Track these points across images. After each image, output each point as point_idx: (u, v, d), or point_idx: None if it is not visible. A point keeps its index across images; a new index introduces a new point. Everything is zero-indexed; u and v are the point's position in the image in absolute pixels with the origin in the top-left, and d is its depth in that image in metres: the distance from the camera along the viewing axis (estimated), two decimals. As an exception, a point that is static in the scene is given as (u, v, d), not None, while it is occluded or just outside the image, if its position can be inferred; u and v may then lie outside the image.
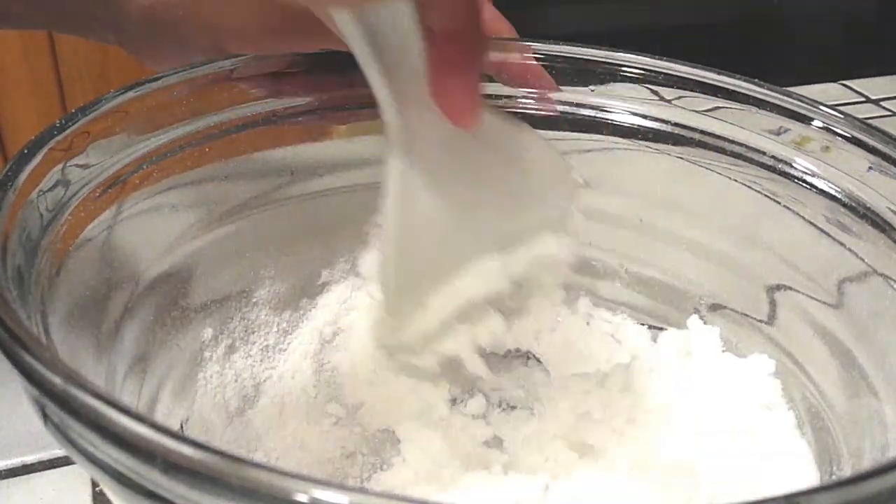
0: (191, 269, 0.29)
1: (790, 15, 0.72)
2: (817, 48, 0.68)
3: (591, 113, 0.33)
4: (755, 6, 0.72)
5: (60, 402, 0.16)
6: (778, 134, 0.30)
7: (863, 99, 0.56)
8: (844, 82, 0.57)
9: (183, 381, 0.28)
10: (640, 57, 0.32)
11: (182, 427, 0.28)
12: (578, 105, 0.33)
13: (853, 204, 0.28)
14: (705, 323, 0.32)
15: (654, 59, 0.32)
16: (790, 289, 0.30)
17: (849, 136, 0.29)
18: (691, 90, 0.32)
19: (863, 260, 0.27)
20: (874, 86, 0.57)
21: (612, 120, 0.33)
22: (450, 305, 0.28)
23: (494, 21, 0.33)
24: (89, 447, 0.16)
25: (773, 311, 0.30)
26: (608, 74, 0.32)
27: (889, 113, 0.54)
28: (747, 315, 0.31)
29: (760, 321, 0.31)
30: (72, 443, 0.16)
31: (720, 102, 0.31)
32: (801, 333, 0.29)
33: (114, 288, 0.25)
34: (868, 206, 0.28)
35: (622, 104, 0.32)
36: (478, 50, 0.24)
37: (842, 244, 0.28)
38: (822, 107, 0.30)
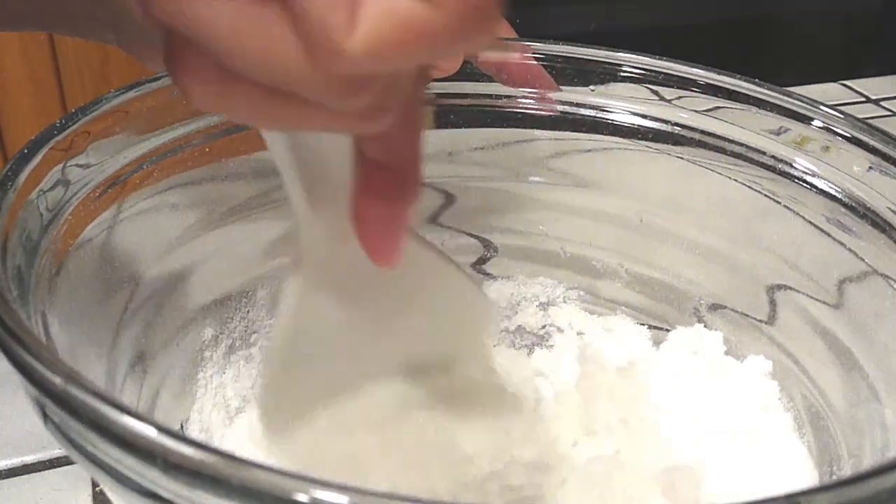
0: (191, 269, 0.29)
1: (790, 15, 0.72)
2: (817, 48, 0.68)
3: (592, 113, 0.33)
4: (755, 6, 0.72)
5: (61, 401, 0.16)
6: (778, 134, 0.30)
7: (863, 99, 0.56)
8: (844, 82, 0.57)
9: (183, 381, 0.28)
10: (640, 57, 0.32)
11: (182, 427, 0.28)
12: (578, 105, 0.33)
13: (853, 204, 0.28)
14: (706, 325, 0.32)
15: (654, 58, 0.32)
16: (790, 289, 0.30)
17: (849, 135, 0.29)
18: (691, 90, 0.32)
19: (863, 260, 0.27)
20: (874, 86, 0.57)
21: (612, 120, 0.33)
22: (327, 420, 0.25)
23: None
24: (89, 447, 0.16)
25: (774, 311, 0.30)
26: (608, 74, 0.32)
27: (889, 113, 0.54)
28: (747, 315, 0.31)
29: (760, 321, 0.31)
30: (72, 442, 0.16)
31: (720, 102, 0.31)
32: (802, 333, 0.29)
33: (114, 288, 0.25)
34: (868, 205, 0.28)
35: (622, 104, 0.32)
36: (411, 184, 0.21)
37: (842, 244, 0.28)
38: (822, 107, 0.30)
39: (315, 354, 0.24)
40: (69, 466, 0.29)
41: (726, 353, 0.31)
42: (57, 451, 0.30)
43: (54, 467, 0.29)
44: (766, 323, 0.31)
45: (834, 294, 0.28)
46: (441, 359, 0.27)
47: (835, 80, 0.56)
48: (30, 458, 0.29)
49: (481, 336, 0.28)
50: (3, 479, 0.28)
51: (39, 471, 0.29)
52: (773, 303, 0.31)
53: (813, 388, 0.28)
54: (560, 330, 0.35)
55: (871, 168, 0.28)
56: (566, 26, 0.77)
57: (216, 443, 0.28)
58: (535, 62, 0.32)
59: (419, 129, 0.20)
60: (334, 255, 0.23)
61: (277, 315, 0.24)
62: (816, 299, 0.29)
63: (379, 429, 0.26)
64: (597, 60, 0.32)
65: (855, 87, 0.56)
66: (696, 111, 0.32)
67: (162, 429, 0.15)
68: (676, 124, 0.32)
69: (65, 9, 0.30)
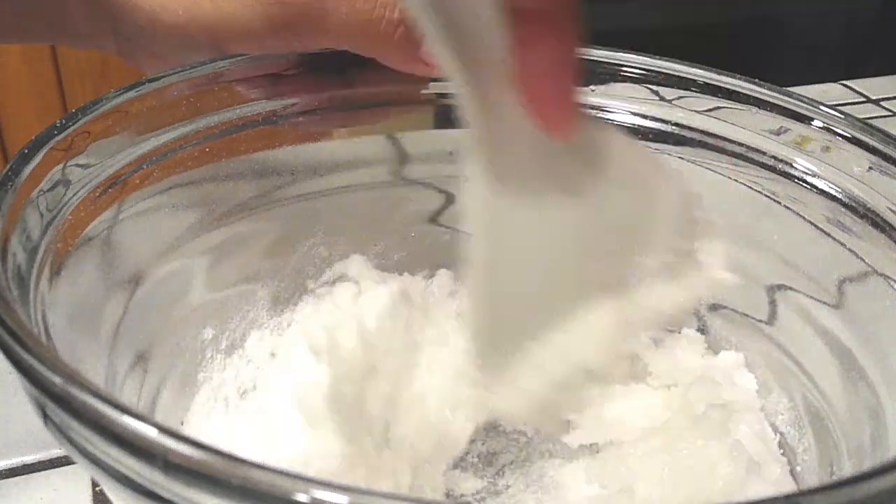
0: (191, 269, 0.29)
1: (790, 15, 0.72)
2: (817, 48, 0.68)
3: (592, 113, 0.33)
4: (755, 6, 0.72)
5: (61, 401, 0.16)
6: (778, 134, 0.30)
7: (863, 99, 0.56)
8: (845, 82, 0.57)
9: (183, 380, 0.28)
10: (640, 57, 0.32)
11: (182, 427, 0.28)
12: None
13: (853, 204, 0.28)
14: (706, 325, 0.32)
15: (655, 59, 0.32)
16: (790, 289, 0.30)
17: (849, 136, 0.29)
18: (691, 90, 0.32)
19: (863, 260, 0.27)
20: (874, 86, 0.57)
21: (612, 120, 0.33)
22: (557, 373, 0.23)
23: None
24: (89, 447, 0.16)
25: (774, 311, 0.30)
26: (608, 74, 0.32)
27: (889, 113, 0.54)
28: (747, 315, 0.31)
29: (761, 321, 0.31)
30: (72, 442, 0.16)
31: (720, 102, 0.31)
32: (802, 333, 0.29)
33: (114, 287, 0.25)
34: (868, 206, 0.28)
35: (622, 104, 0.32)
36: (574, 42, 0.19)
37: (842, 244, 0.28)
38: (822, 107, 0.30)
39: (516, 272, 0.22)
40: (69, 466, 0.29)
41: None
42: (57, 451, 0.30)
43: (54, 467, 0.29)
44: (765, 323, 0.31)
45: (834, 294, 0.28)
46: (641, 272, 0.23)
47: (835, 80, 0.56)
48: (30, 458, 0.29)
49: (689, 235, 0.24)
50: (3, 479, 0.28)
51: (39, 471, 0.29)
52: (773, 303, 0.31)
53: (813, 387, 0.28)
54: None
55: (871, 168, 0.28)
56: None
57: (217, 442, 0.28)
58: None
59: None
60: (508, 141, 0.20)
61: (466, 232, 0.21)
62: (816, 299, 0.29)
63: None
64: (597, 60, 0.32)
65: (855, 87, 0.56)
66: (696, 111, 0.32)
67: (162, 429, 0.15)
68: (676, 124, 0.32)
69: (67, 20, 0.30)
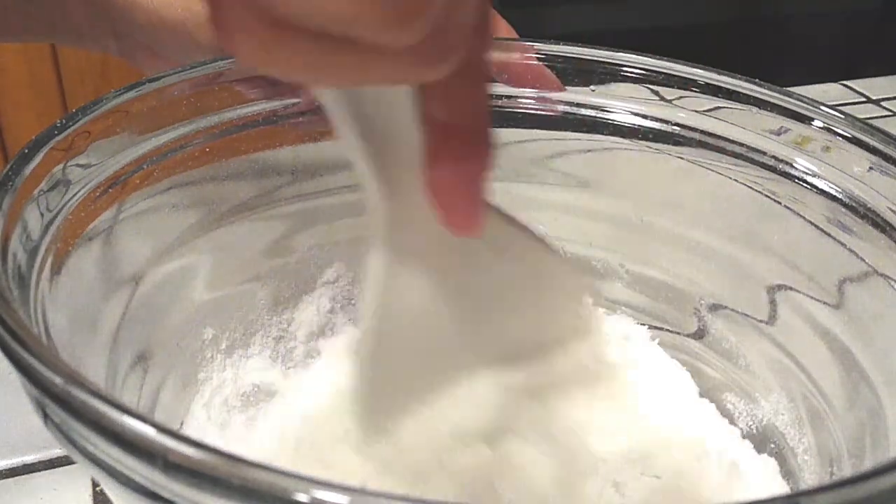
0: (191, 269, 0.29)
1: (790, 15, 0.72)
2: (818, 48, 0.68)
3: (592, 113, 0.33)
4: (755, 6, 0.72)
5: (61, 401, 0.16)
6: (778, 134, 0.30)
7: (863, 99, 0.56)
8: (845, 82, 0.57)
9: (183, 380, 0.28)
10: (640, 57, 0.32)
11: (182, 427, 0.28)
12: (579, 105, 0.33)
13: (854, 204, 0.28)
14: (706, 325, 0.32)
15: (655, 59, 0.32)
16: (791, 289, 0.30)
17: (849, 136, 0.28)
18: (692, 90, 0.32)
19: (863, 260, 0.27)
20: (875, 86, 0.57)
21: (612, 120, 0.33)
22: (431, 434, 0.24)
23: (493, 22, 0.33)
24: (90, 447, 0.16)
25: (774, 311, 0.30)
26: (608, 74, 0.32)
27: (890, 113, 0.54)
28: (747, 315, 0.31)
29: (761, 321, 0.31)
30: (72, 442, 0.16)
31: (721, 102, 0.31)
32: (802, 333, 0.29)
33: (114, 287, 0.25)
34: (869, 206, 0.27)
35: (623, 104, 0.32)
36: (482, 143, 0.19)
37: (842, 244, 0.28)
38: (822, 107, 0.30)
39: (406, 343, 0.22)
40: (69, 466, 0.29)
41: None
42: (57, 451, 0.30)
43: (54, 467, 0.29)
44: (766, 323, 0.31)
45: (834, 294, 0.28)
46: (538, 342, 0.25)
47: (835, 80, 0.56)
48: (30, 458, 0.29)
49: (577, 311, 0.26)
50: (3, 479, 0.28)
51: (39, 471, 0.29)
52: (773, 303, 0.31)
53: (813, 387, 0.28)
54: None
55: (871, 168, 0.28)
56: (566, 26, 0.77)
57: (216, 443, 0.28)
58: (537, 62, 0.32)
59: (482, 82, 0.19)
60: (411, 222, 0.21)
61: (362, 301, 0.22)
62: (817, 299, 0.29)
63: (487, 430, 0.24)
64: (597, 60, 0.32)
65: (855, 88, 0.56)
66: (696, 111, 0.32)
67: (162, 429, 0.15)
68: (677, 124, 0.32)
69: (67, 19, 0.30)
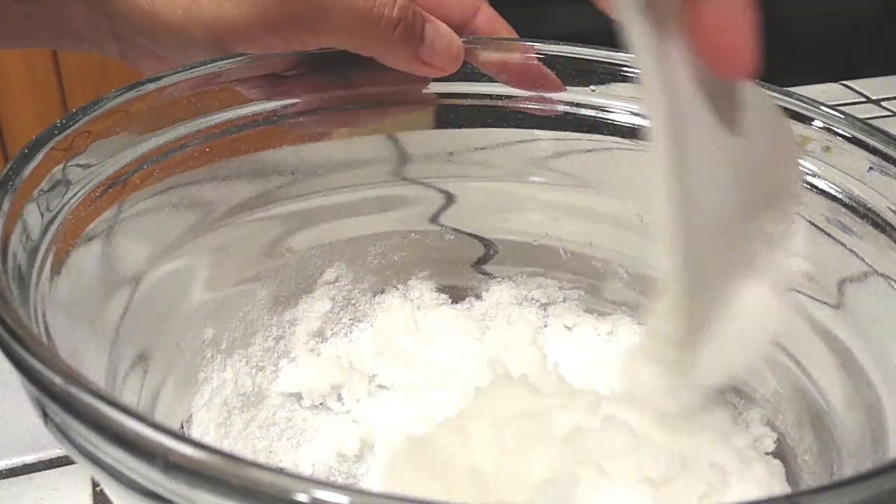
0: (191, 269, 0.29)
1: (790, 15, 0.71)
2: (818, 48, 0.68)
3: (592, 113, 0.33)
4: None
5: (61, 401, 0.16)
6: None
7: (864, 99, 0.56)
8: (845, 82, 0.57)
9: (183, 380, 0.28)
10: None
11: (182, 427, 0.28)
12: (579, 105, 0.33)
13: (853, 204, 0.28)
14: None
15: (655, 58, 0.32)
16: (790, 289, 0.30)
17: (849, 136, 0.28)
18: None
19: (863, 260, 0.27)
20: (875, 86, 0.57)
21: (612, 120, 0.33)
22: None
23: (492, 22, 0.33)
24: (89, 447, 0.16)
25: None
26: (609, 74, 0.32)
27: (890, 113, 0.54)
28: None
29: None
30: (72, 442, 0.16)
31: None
32: (802, 333, 0.29)
33: (114, 287, 0.25)
34: (869, 206, 0.27)
35: (623, 104, 0.32)
36: None
37: (842, 244, 0.28)
38: (822, 107, 0.29)
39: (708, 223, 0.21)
40: (69, 466, 0.29)
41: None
42: (57, 451, 0.30)
43: (54, 467, 0.29)
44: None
45: (834, 294, 0.28)
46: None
47: (835, 80, 0.56)
48: (30, 458, 0.29)
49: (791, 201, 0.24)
50: (3, 479, 0.28)
51: (39, 471, 0.29)
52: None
53: (813, 387, 0.28)
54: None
55: (871, 168, 0.28)
56: (566, 26, 0.77)
57: (217, 443, 0.28)
58: (537, 62, 0.32)
59: None
60: (677, 83, 0.19)
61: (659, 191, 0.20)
62: (816, 299, 0.29)
63: None
64: (598, 60, 0.32)
65: (856, 88, 0.56)
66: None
67: (162, 429, 0.15)
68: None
69: (68, 24, 0.30)
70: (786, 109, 0.30)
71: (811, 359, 0.28)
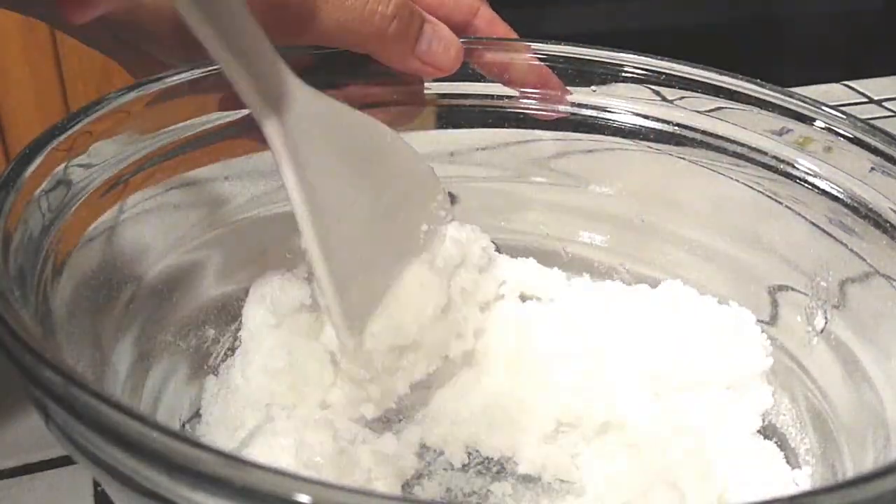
0: (193, 268, 0.29)
1: (792, 15, 0.71)
2: (819, 48, 0.68)
3: (593, 113, 0.33)
4: (757, 6, 0.72)
5: (62, 402, 0.16)
6: (780, 134, 0.30)
7: (865, 99, 0.55)
8: (847, 83, 0.57)
9: (186, 380, 0.28)
10: (641, 57, 0.32)
11: (184, 427, 0.28)
12: (580, 105, 0.33)
13: (855, 204, 0.28)
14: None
15: (656, 59, 0.32)
16: (792, 289, 0.30)
17: (851, 136, 0.28)
18: (693, 90, 0.32)
19: (865, 260, 0.27)
20: (877, 86, 0.56)
21: (613, 120, 0.33)
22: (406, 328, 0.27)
23: (491, 23, 0.33)
24: (91, 448, 0.16)
25: (775, 312, 0.30)
26: (610, 75, 0.32)
27: (891, 113, 0.54)
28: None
29: (762, 321, 0.31)
30: (74, 443, 0.16)
31: (722, 103, 0.31)
32: (803, 334, 0.29)
33: (116, 287, 0.25)
34: (870, 206, 0.27)
35: (624, 104, 0.32)
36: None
37: (844, 244, 0.28)
38: (824, 107, 0.29)
39: (343, 235, 0.24)
40: (70, 466, 0.29)
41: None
42: (58, 450, 0.30)
43: (55, 467, 0.29)
44: (767, 323, 0.31)
45: (836, 294, 0.28)
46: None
47: (837, 81, 0.56)
48: (30, 458, 0.29)
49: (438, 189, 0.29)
50: (4, 479, 0.28)
51: (40, 471, 0.29)
52: (774, 303, 0.31)
53: (815, 388, 0.28)
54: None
55: (873, 169, 0.28)
56: (566, 26, 0.77)
57: (219, 442, 0.28)
58: (539, 63, 0.32)
59: None
60: (301, 126, 0.23)
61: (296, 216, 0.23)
62: (818, 299, 0.29)
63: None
64: (598, 61, 0.32)
65: (857, 88, 0.56)
66: (697, 111, 0.32)
67: (163, 429, 0.15)
68: (678, 125, 0.32)
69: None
70: (788, 110, 0.30)
71: (813, 359, 0.28)
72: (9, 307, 0.18)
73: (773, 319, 0.31)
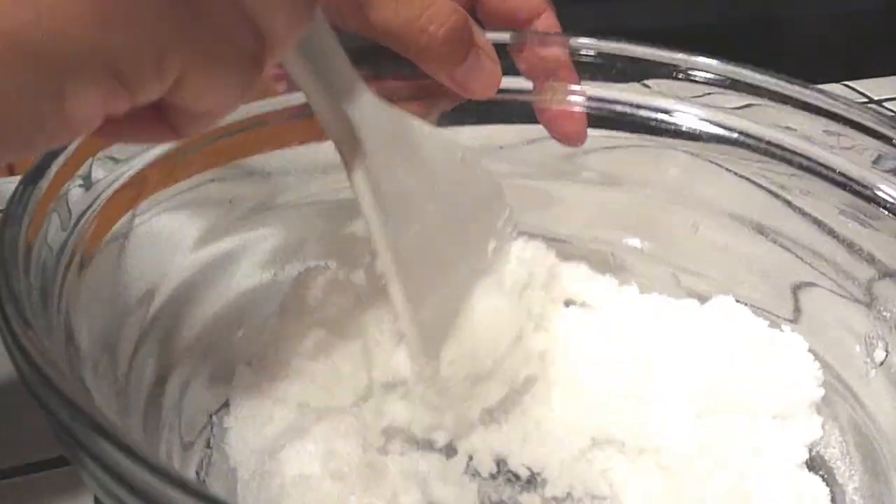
0: (214, 268, 0.28)
1: (793, 15, 0.72)
2: (820, 49, 0.68)
3: (615, 108, 0.32)
4: (758, 6, 0.72)
5: (95, 458, 0.15)
6: (807, 132, 0.30)
7: (866, 100, 0.55)
8: (847, 83, 0.57)
9: (207, 382, 0.27)
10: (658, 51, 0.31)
11: (211, 418, 0.26)
12: (601, 101, 0.32)
13: (882, 200, 0.28)
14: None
15: (690, 55, 0.31)
16: (816, 286, 0.30)
17: (875, 131, 0.28)
18: (719, 87, 0.31)
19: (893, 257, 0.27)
20: (877, 86, 0.56)
21: (635, 116, 0.32)
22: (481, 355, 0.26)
23: (551, 30, 0.32)
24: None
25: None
26: (635, 71, 0.32)
27: (892, 114, 0.54)
28: (772, 313, 0.31)
29: (785, 319, 0.30)
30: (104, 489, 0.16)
31: (752, 100, 0.31)
32: (861, 364, 0.27)
33: (140, 286, 0.25)
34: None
35: (645, 100, 0.32)
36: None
37: (870, 241, 0.28)
38: (852, 106, 0.29)
39: (419, 252, 0.24)
40: (70, 466, 0.28)
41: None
42: (58, 450, 0.29)
43: (55, 467, 0.28)
44: (790, 322, 0.30)
45: (863, 292, 0.28)
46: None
47: (837, 81, 0.56)
48: (30, 458, 0.28)
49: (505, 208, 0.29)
50: (4, 478, 0.27)
51: (39, 471, 0.28)
52: (797, 301, 0.30)
53: (869, 422, 0.26)
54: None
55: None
56: (566, 26, 0.76)
57: (246, 437, 0.26)
58: (564, 53, 0.31)
59: None
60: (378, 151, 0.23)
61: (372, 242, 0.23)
62: (844, 297, 0.28)
63: None
64: (622, 56, 0.32)
65: (858, 88, 0.56)
66: (719, 108, 0.31)
67: (193, 489, 0.14)
68: (702, 120, 0.31)
69: None
70: (814, 106, 0.30)
71: (868, 392, 0.27)
72: (30, 331, 0.17)
73: (796, 317, 0.30)
